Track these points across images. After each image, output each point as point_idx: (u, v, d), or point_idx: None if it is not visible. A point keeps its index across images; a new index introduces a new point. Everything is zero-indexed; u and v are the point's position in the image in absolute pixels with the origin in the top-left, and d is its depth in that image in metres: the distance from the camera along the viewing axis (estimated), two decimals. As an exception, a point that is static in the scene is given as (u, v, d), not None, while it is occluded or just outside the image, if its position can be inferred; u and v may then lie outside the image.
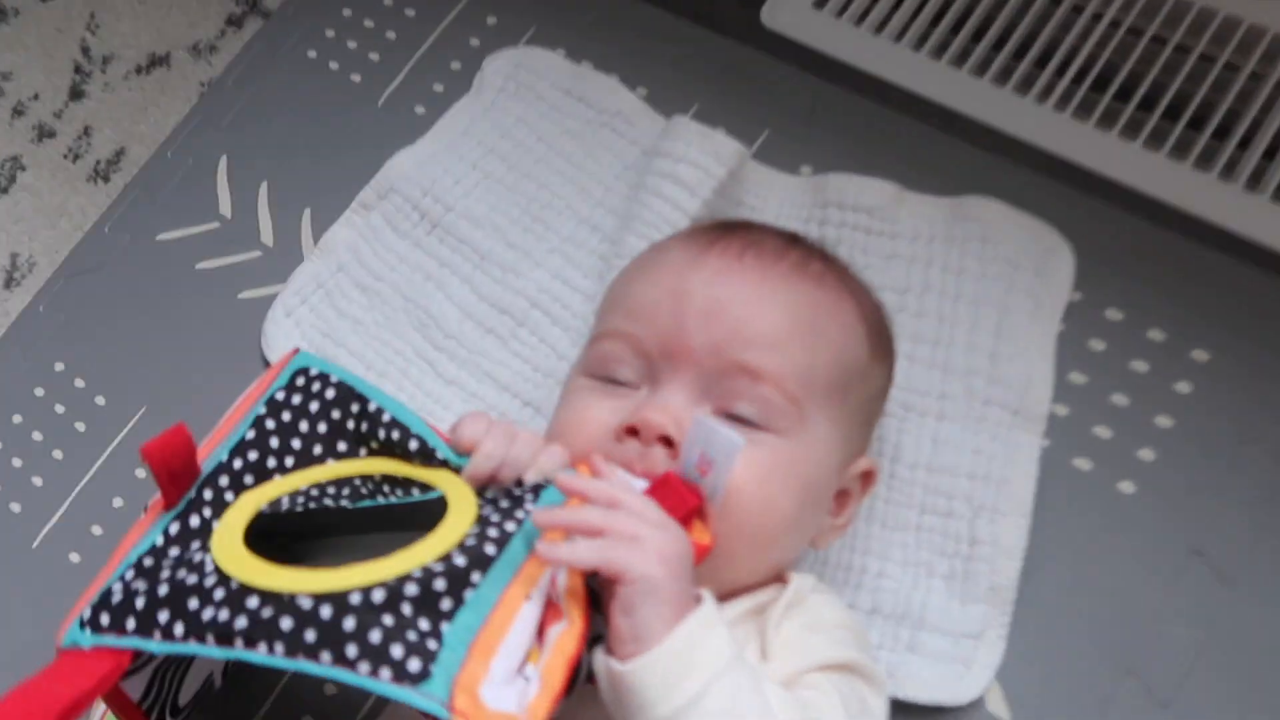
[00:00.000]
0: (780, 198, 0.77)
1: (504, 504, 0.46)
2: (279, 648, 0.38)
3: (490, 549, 0.42)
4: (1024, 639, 0.65)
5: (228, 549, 0.44)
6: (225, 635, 0.39)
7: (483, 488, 0.48)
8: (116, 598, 0.43)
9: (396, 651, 0.38)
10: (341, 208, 0.81)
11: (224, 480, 0.48)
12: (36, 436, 0.79)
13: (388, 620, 0.39)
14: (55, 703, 0.39)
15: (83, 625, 0.43)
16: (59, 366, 0.81)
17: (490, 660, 0.39)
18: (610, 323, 0.57)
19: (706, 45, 0.84)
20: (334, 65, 0.88)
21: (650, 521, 0.44)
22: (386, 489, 0.50)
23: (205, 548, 0.44)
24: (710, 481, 0.49)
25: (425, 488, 0.49)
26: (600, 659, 0.43)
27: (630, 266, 0.62)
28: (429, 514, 0.46)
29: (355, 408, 0.51)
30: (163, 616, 0.41)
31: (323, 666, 0.38)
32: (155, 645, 0.41)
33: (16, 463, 0.78)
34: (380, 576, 0.40)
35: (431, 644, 0.38)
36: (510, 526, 0.44)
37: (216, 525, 0.46)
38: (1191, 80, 0.78)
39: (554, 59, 0.84)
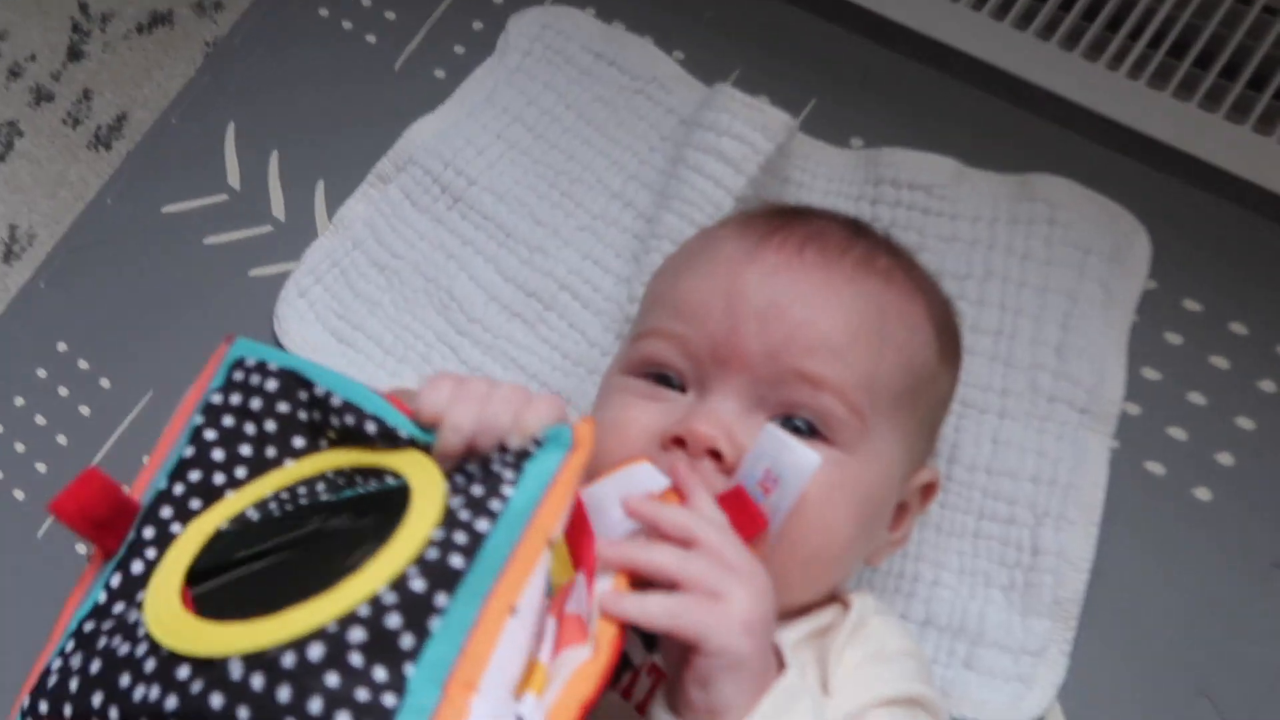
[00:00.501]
0: (829, 173, 0.72)
1: (477, 490, 0.38)
2: None
3: (457, 561, 0.35)
4: (1088, 656, 0.61)
5: (161, 603, 0.38)
6: (159, 717, 0.34)
7: (459, 465, 0.41)
8: (53, 679, 0.37)
9: None
10: (357, 180, 0.77)
11: (166, 511, 0.42)
12: (40, 420, 0.76)
13: (331, 681, 0.33)
14: None
15: (24, 716, 0.38)
16: (62, 346, 0.77)
17: (470, 698, 0.33)
18: (655, 320, 0.52)
19: (749, 4, 0.78)
20: (347, 25, 0.83)
21: (735, 570, 0.39)
22: (359, 482, 0.43)
23: (140, 604, 0.39)
24: (773, 501, 0.44)
25: (399, 475, 0.42)
26: None
27: (677, 257, 0.57)
28: (393, 506, 0.39)
29: (303, 395, 0.44)
30: (96, 699, 0.36)
31: None
32: None
33: (19, 448, 0.76)
34: (318, 621, 0.34)
35: (388, 700, 0.33)
36: (482, 525, 0.36)
37: (158, 570, 0.40)
38: (1280, 45, 0.71)
39: (583, 19, 0.79)
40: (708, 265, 0.51)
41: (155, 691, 0.34)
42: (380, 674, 0.33)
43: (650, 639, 0.48)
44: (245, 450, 0.43)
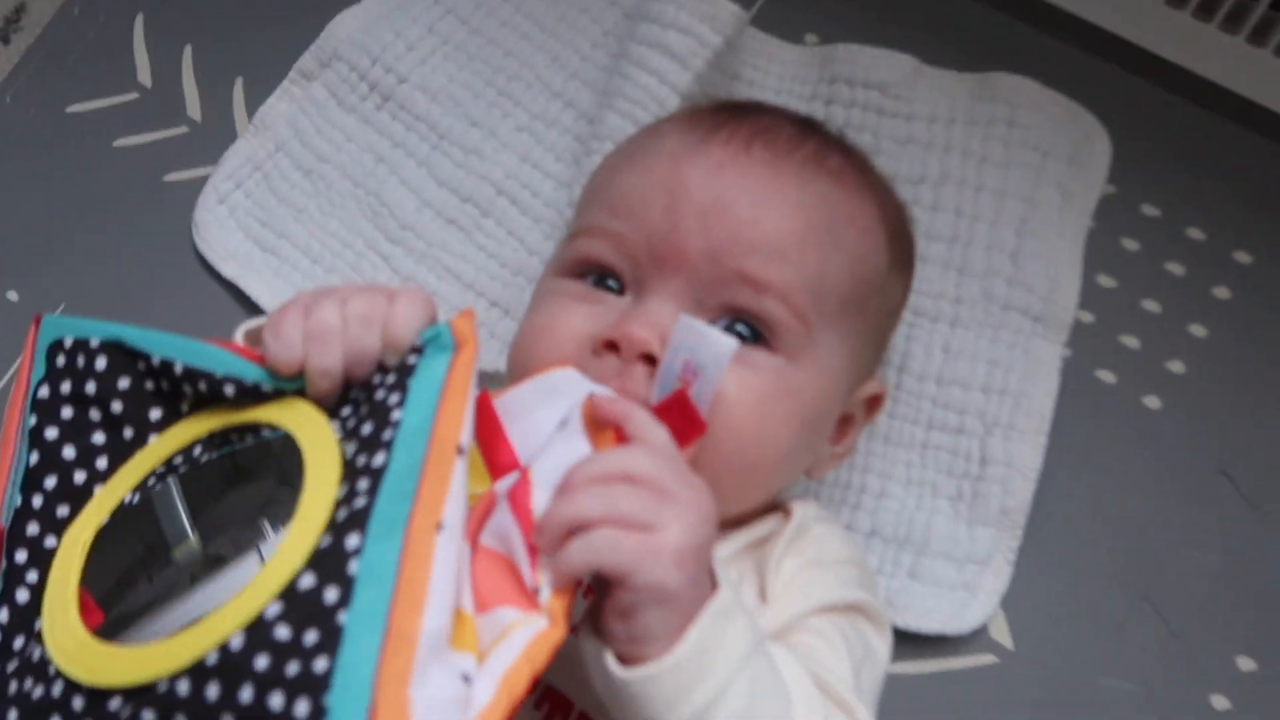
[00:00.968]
0: (781, 70, 0.69)
1: (367, 429, 0.35)
2: None
3: (360, 502, 0.33)
4: (1033, 564, 0.61)
5: (63, 632, 0.36)
6: None
7: (344, 396, 0.38)
8: None
9: (275, 702, 0.30)
10: (279, 77, 0.72)
11: (33, 528, 0.39)
12: (-59, 338, 0.71)
13: (260, 663, 0.31)
14: None
15: None
16: (-37, 258, 0.72)
17: (417, 629, 0.31)
18: (591, 218, 0.49)
19: (698, -113, 0.73)
20: (264, -95, 0.76)
21: (673, 498, 0.36)
22: (235, 440, 0.40)
23: (38, 636, 0.37)
24: (694, 394, 0.41)
25: (275, 428, 0.39)
26: (592, 648, 0.37)
27: (617, 152, 0.54)
28: (286, 453, 0.37)
29: (141, 366, 0.41)
30: None
31: None
32: None
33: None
34: (236, 623, 0.32)
35: (319, 664, 0.30)
36: (379, 459, 0.34)
37: (47, 595, 0.38)
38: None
39: (521, -99, 0.73)
40: (648, 160, 0.48)
41: None
42: (311, 637, 0.31)
43: None
44: (98, 438, 0.40)
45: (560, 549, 0.35)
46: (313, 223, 0.69)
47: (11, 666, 0.36)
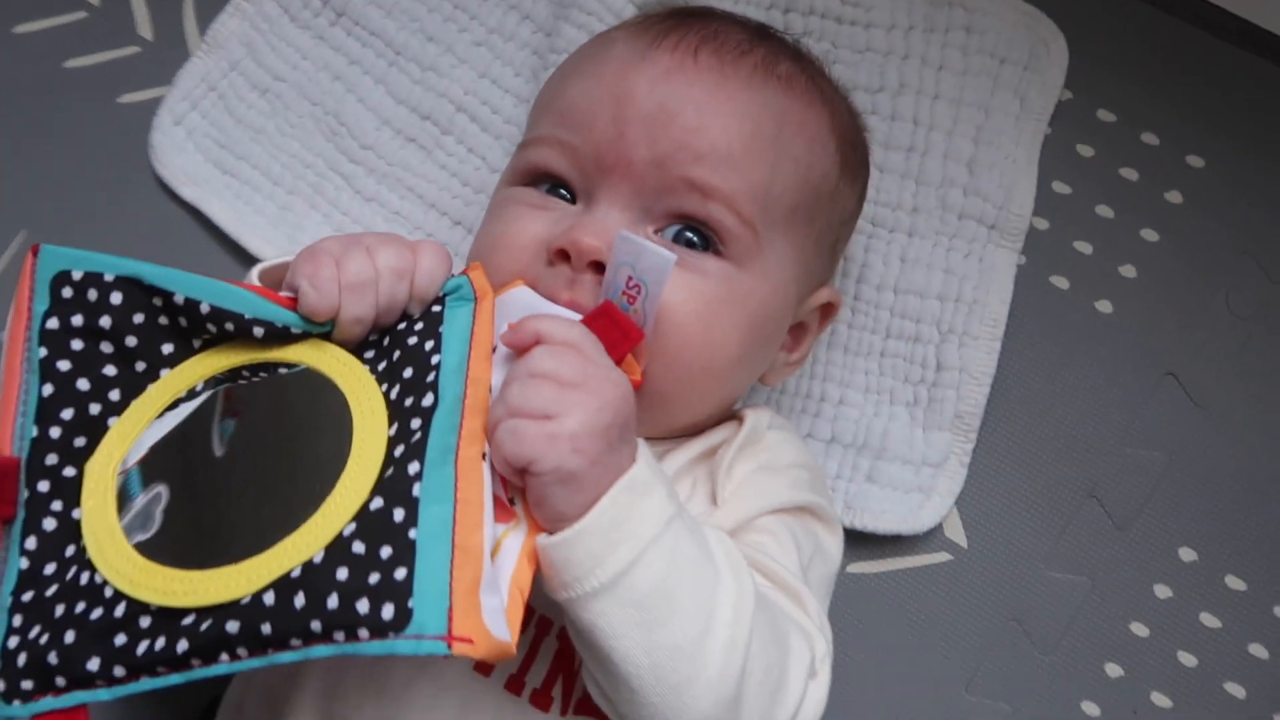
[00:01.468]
0: None
1: (407, 371, 0.39)
2: (242, 651, 0.34)
3: (415, 436, 0.37)
4: (986, 465, 0.63)
5: (114, 557, 0.38)
6: (175, 661, 0.35)
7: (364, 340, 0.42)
8: (22, 657, 0.37)
9: (362, 607, 0.33)
10: (230, -8, 0.70)
11: (52, 458, 0.40)
12: (-100, 266, 0.70)
13: (342, 574, 0.34)
14: None
15: (5, 697, 0.37)
16: (-84, 186, 0.71)
17: (480, 538, 0.35)
18: (541, 127, 0.49)
19: None
20: None
21: (573, 386, 0.38)
22: (246, 376, 0.42)
23: (86, 562, 0.38)
24: (639, 309, 0.42)
25: (292, 365, 0.41)
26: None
27: (569, 59, 0.54)
28: (309, 389, 0.39)
29: (157, 301, 0.42)
30: (93, 664, 0.36)
31: (297, 652, 0.34)
32: (106, 693, 0.36)
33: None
34: (317, 541, 0.35)
35: (399, 573, 0.34)
36: (428, 399, 0.37)
37: (81, 519, 0.39)
38: None
39: None
40: (597, 68, 0.48)
41: (161, 641, 0.35)
42: (386, 551, 0.34)
43: None
44: (110, 371, 0.41)
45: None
46: (272, 144, 0.68)
47: (52, 591, 0.38)
